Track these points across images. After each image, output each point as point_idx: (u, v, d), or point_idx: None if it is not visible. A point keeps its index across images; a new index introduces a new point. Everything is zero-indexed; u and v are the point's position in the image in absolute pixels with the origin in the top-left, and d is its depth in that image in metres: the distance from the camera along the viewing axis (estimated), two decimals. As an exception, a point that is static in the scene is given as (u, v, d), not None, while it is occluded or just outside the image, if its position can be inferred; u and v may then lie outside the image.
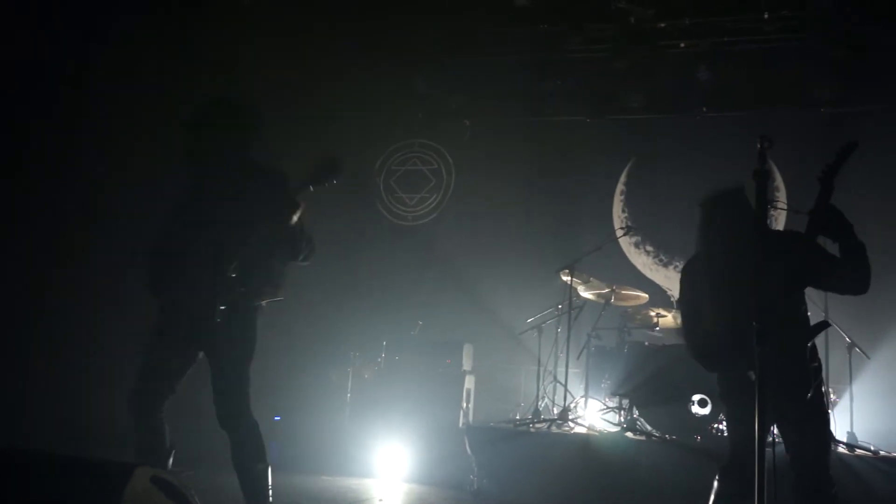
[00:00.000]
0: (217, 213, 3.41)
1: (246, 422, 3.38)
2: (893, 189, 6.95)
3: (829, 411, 4.94)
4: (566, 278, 6.48)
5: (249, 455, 3.38)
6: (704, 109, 7.81)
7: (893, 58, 7.00)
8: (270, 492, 3.41)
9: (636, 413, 5.85)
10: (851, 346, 6.04)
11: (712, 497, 3.35)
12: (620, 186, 8.17)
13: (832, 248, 3.32)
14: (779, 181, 7.54)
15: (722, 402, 3.52)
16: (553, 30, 7.30)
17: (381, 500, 5.32)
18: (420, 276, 8.01)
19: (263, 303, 3.50)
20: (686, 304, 3.71)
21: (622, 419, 5.90)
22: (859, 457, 5.22)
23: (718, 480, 3.35)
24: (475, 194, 8.33)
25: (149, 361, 3.41)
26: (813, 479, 3.25)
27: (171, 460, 3.45)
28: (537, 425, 6.07)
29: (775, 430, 4.21)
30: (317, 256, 6.80)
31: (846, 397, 5.95)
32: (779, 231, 3.58)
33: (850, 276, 3.33)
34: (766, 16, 6.90)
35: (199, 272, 3.37)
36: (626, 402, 5.92)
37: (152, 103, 6.44)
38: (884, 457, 5.25)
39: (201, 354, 3.46)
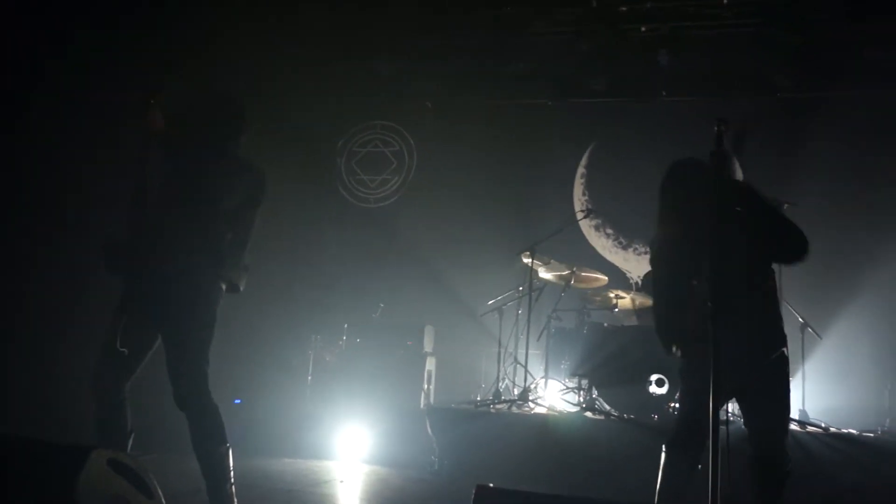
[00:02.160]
0: (187, 198, 3.38)
1: (205, 403, 3.36)
2: (846, 173, 7.10)
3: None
4: (527, 260, 6.52)
5: (209, 436, 3.36)
6: (665, 94, 7.89)
7: (848, 45, 7.12)
8: (232, 473, 3.40)
9: (595, 393, 5.93)
10: (804, 326, 6.19)
11: (660, 472, 3.41)
12: (581, 170, 8.24)
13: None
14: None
15: (679, 376, 3.57)
16: (516, 12, 7.28)
17: (342, 482, 5.33)
18: (381, 258, 8.01)
19: (224, 286, 3.48)
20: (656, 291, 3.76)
21: (581, 399, 5.98)
22: (811, 433, 5.37)
23: (666, 454, 3.40)
24: (437, 176, 8.34)
25: (109, 341, 3.37)
26: (770, 454, 3.32)
27: (130, 443, 3.42)
28: (498, 406, 6.12)
29: (731, 408, 4.30)
30: (278, 239, 6.79)
31: (799, 376, 6.09)
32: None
33: (780, 244, 3.44)
34: (725, 1, 6.97)
35: (163, 253, 3.34)
36: (585, 382, 6.01)
37: (119, 95, 6.34)
38: (834, 433, 5.40)
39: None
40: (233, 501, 3.37)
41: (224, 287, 3.47)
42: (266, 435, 6.16)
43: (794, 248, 3.39)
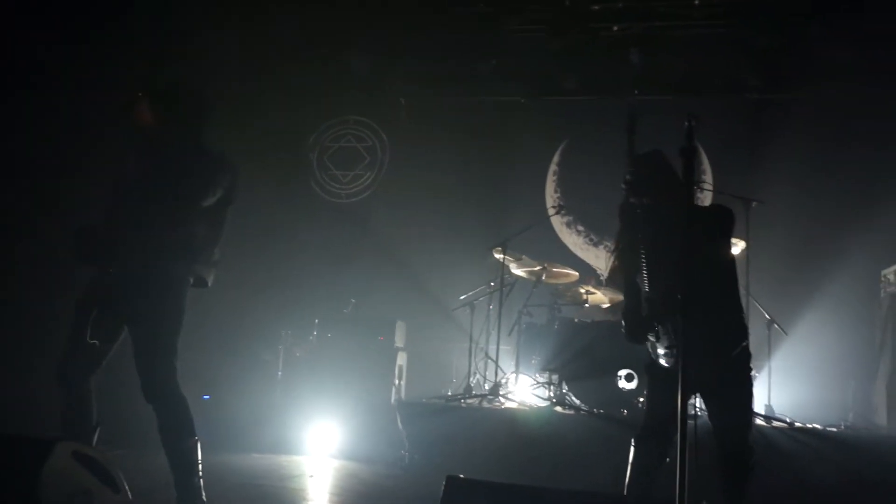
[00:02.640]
0: (152, 190, 3.34)
1: (173, 395, 3.33)
2: (813, 172, 7.19)
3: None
4: (498, 256, 6.53)
5: (177, 429, 3.32)
6: (636, 92, 7.93)
7: (817, 46, 7.22)
8: (200, 467, 3.36)
9: (565, 388, 5.96)
10: (770, 322, 6.25)
11: (629, 465, 3.44)
12: (553, 167, 8.27)
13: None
14: (706, 164, 7.73)
15: (646, 371, 3.60)
16: (489, 9, 7.29)
17: (311, 476, 5.30)
18: (353, 253, 7.98)
19: (191, 279, 3.44)
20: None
21: (552, 394, 6.00)
22: (776, 428, 5.44)
23: (635, 448, 3.44)
24: (410, 172, 8.32)
25: (76, 333, 3.32)
26: (734, 448, 3.36)
27: (96, 437, 3.38)
28: (469, 401, 6.12)
29: (698, 403, 4.34)
30: (248, 233, 6.73)
31: (765, 372, 6.16)
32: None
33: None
34: (696, 2, 7.03)
35: (136, 246, 3.31)
36: (555, 377, 6.02)
37: (97, 91, 6.28)
38: (799, 428, 5.48)
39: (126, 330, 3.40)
40: (200, 495, 3.33)
41: (192, 281, 3.44)
42: (235, 430, 6.11)
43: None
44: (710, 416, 3.46)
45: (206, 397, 6.39)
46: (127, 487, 3.05)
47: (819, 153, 7.20)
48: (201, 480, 3.34)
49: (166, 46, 6.58)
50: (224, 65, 7.18)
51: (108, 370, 3.44)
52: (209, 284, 3.54)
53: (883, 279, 6.54)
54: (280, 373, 6.80)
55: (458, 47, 7.90)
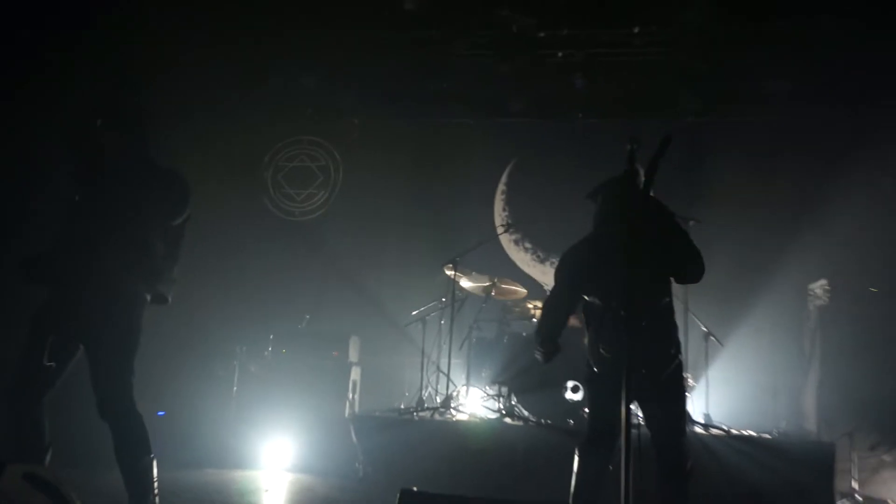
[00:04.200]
0: (107, 209, 3.31)
1: (128, 412, 3.26)
2: (748, 192, 7.33)
3: (688, 394, 5.25)
4: (449, 272, 6.55)
5: (132, 447, 3.26)
6: (580, 115, 8.06)
7: (751, 72, 7.42)
8: (156, 484, 3.30)
9: (514, 400, 5.98)
10: (707, 335, 6.37)
11: (574, 473, 3.47)
12: (501, 186, 8.33)
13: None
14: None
15: (587, 382, 3.69)
16: (438, 34, 7.33)
17: (267, 491, 5.23)
18: (307, 270, 7.92)
19: (148, 297, 3.39)
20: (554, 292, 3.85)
21: (501, 406, 6.02)
22: (714, 435, 5.55)
23: (579, 458, 3.48)
24: (363, 191, 8.30)
25: (30, 355, 3.24)
26: (673, 454, 3.42)
27: (48, 457, 3.29)
28: (421, 413, 6.11)
29: (639, 413, 4.40)
30: (203, 250, 6.63)
31: (703, 382, 6.28)
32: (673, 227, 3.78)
33: (687, 270, 3.56)
34: (636, 30, 7.17)
35: (88, 265, 3.25)
36: (504, 389, 6.05)
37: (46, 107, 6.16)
38: (735, 435, 5.59)
39: (82, 349, 3.32)
40: (156, 512, 3.27)
41: (149, 298, 3.39)
42: (191, 446, 6.01)
43: (695, 273, 3.55)
44: (647, 423, 3.53)
45: (160, 413, 6.26)
46: (82, 507, 2.98)
47: (751, 174, 7.37)
48: (157, 498, 3.28)
49: (123, 71, 6.47)
50: (182, 87, 7.11)
51: (60, 388, 3.36)
52: (169, 301, 3.49)
53: (810, 293, 6.73)
54: (235, 388, 6.70)
55: (410, 71, 7.92)
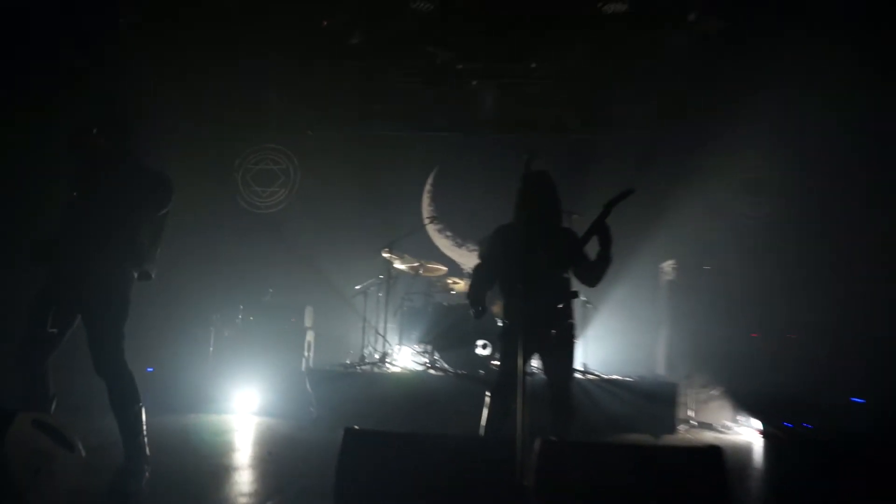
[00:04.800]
0: (102, 204, 3.19)
1: (120, 370, 3.17)
2: (616, 191, 7.50)
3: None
4: (386, 255, 6.55)
5: (124, 398, 3.17)
6: (490, 131, 8.11)
7: (618, 100, 7.61)
8: (145, 427, 3.22)
9: (437, 356, 6.04)
10: (585, 302, 6.53)
11: (485, 414, 3.53)
12: (427, 186, 8.33)
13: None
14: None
15: (500, 339, 3.72)
16: (376, 63, 7.27)
17: (236, 431, 5.14)
18: (271, 253, 7.75)
19: (136, 274, 3.28)
20: (485, 259, 3.85)
21: (427, 360, 6.07)
22: (589, 380, 5.73)
23: (491, 399, 3.53)
24: (317, 188, 8.16)
25: (35, 323, 3.10)
26: (563, 394, 3.50)
27: (53, 406, 3.17)
28: (363, 367, 6.11)
29: (535, 364, 4.49)
30: (187, 238, 6.44)
31: (582, 339, 6.43)
32: (568, 230, 3.89)
33: (593, 274, 3.62)
34: (533, 65, 7.27)
35: (89, 249, 3.14)
36: (429, 347, 6.10)
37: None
38: (605, 379, 5.79)
39: (79, 318, 3.21)
40: (145, 451, 3.19)
41: (136, 276, 3.29)
42: (176, 396, 5.87)
43: (596, 282, 3.65)
44: (545, 371, 3.58)
45: (149, 370, 6.08)
46: (81, 447, 2.88)
47: (619, 178, 7.50)
48: (146, 438, 3.21)
49: (107, 86, 6.18)
50: (165, 100, 6.83)
51: (62, 349, 3.24)
52: (152, 277, 3.39)
53: (661, 271, 6.98)
54: (212, 349, 6.54)
55: (355, 91, 7.84)
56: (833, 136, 6.65)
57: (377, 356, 6.41)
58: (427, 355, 6.09)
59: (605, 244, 3.53)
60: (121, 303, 3.21)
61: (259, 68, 7.26)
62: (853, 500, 3.55)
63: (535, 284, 3.31)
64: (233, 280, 7.38)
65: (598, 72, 7.20)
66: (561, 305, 3.58)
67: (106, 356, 3.14)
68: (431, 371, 5.90)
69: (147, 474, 3.17)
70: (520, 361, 2.90)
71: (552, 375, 3.53)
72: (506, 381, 3.49)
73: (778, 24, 5.84)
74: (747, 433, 5.67)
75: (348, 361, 6.62)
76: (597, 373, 5.99)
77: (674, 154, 7.50)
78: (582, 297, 6.41)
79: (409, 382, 5.67)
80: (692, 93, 7.25)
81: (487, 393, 3.56)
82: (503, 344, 3.70)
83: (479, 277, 3.80)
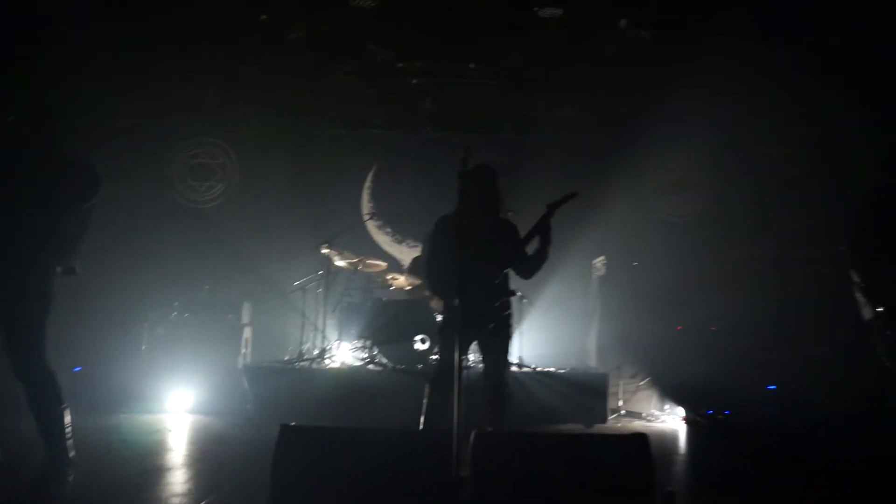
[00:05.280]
0: (20, 194, 2.98)
1: (41, 372, 2.98)
2: (549, 192, 7.56)
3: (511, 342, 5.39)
4: (325, 251, 6.45)
5: (45, 400, 2.98)
6: (429, 129, 8.10)
7: (550, 102, 7.72)
8: (69, 429, 3.04)
9: (376, 351, 5.99)
10: (521, 297, 6.61)
11: (425, 405, 3.52)
12: (367, 183, 8.25)
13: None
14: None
15: (440, 333, 3.71)
16: (315, 59, 7.12)
17: (170, 430, 4.96)
18: (207, 249, 7.48)
19: (59, 269, 3.09)
20: (436, 251, 3.76)
21: (366, 355, 6.02)
22: (524, 372, 5.81)
23: (430, 392, 3.53)
24: (256, 184, 7.92)
25: None
26: (500, 384, 3.54)
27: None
28: (301, 363, 6.00)
29: (471, 357, 4.51)
30: (118, 233, 6.16)
31: (518, 333, 6.50)
32: (508, 221, 3.92)
33: (529, 269, 3.69)
34: (471, 66, 7.29)
35: (6, 241, 2.94)
36: (368, 342, 6.04)
37: None
38: (539, 371, 5.88)
39: None
40: (68, 453, 3.02)
41: (60, 270, 3.09)
42: (106, 395, 5.61)
43: (531, 276, 3.73)
44: (483, 361, 3.63)
45: (77, 369, 5.79)
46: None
47: (550, 176, 7.60)
48: (70, 441, 3.03)
49: (38, 76, 5.82)
50: (96, 90, 6.50)
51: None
52: (77, 272, 3.20)
53: (593, 267, 7.14)
54: (144, 347, 6.28)
55: (293, 87, 7.67)
56: (756, 137, 6.97)
57: (316, 352, 6.30)
58: (366, 350, 6.03)
59: (545, 243, 3.62)
60: (39, 299, 3.01)
61: (195, 61, 6.99)
62: (766, 480, 3.72)
63: (476, 277, 3.32)
64: (167, 276, 7.10)
65: (533, 73, 7.28)
66: (500, 299, 3.62)
67: (24, 357, 2.94)
68: (370, 366, 5.85)
69: (71, 478, 3.00)
70: (456, 355, 2.90)
71: (488, 364, 3.59)
72: (445, 373, 3.49)
73: (703, 30, 6.04)
74: (672, 421, 5.87)
75: (287, 358, 6.49)
76: (531, 365, 6.07)
77: (604, 154, 7.68)
78: (518, 293, 6.56)
79: (348, 378, 5.61)
80: (623, 95, 7.44)
81: (428, 385, 3.54)
82: (442, 337, 3.70)
83: (436, 271, 3.70)
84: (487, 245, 3.55)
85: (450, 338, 3.54)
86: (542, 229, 3.60)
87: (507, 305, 3.68)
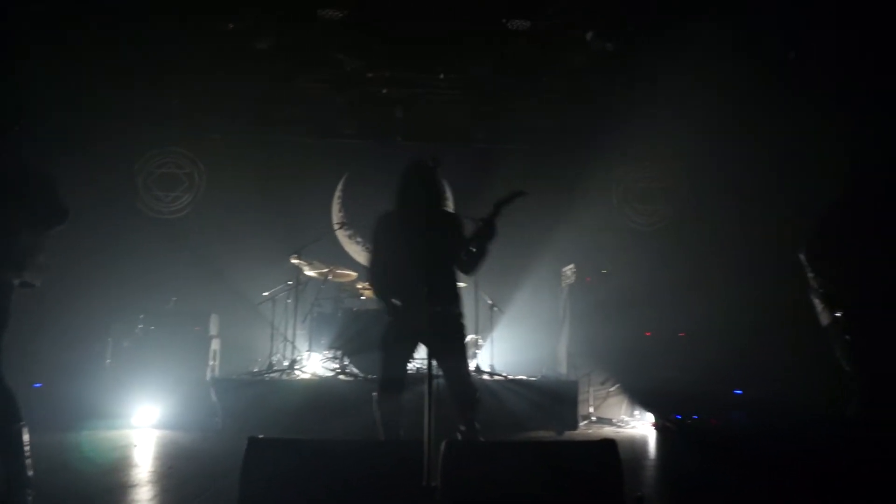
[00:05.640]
0: None
1: (-4, 387, 2.88)
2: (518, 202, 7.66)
3: (477, 351, 5.40)
4: (295, 261, 6.39)
5: (1, 418, 2.87)
6: (399, 139, 8.11)
7: (520, 113, 7.80)
8: (27, 447, 2.94)
9: (347, 361, 5.95)
10: (492, 306, 6.66)
11: (378, 418, 3.44)
12: (338, 193, 8.21)
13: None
14: (448, 192, 8.04)
15: (382, 341, 3.50)
16: (284, 68, 7.09)
17: (135, 446, 4.84)
18: (174, 260, 7.36)
19: (17, 282, 3.00)
20: (378, 250, 3.63)
21: (337, 366, 5.97)
22: (496, 380, 5.82)
23: (380, 399, 3.41)
24: (223, 194, 7.83)
25: None
26: (465, 387, 3.43)
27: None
28: (271, 375, 5.93)
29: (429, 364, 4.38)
30: (81, 244, 6.02)
31: (489, 341, 6.54)
32: (451, 213, 3.85)
33: (471, 264, 3.56)
34: (441, 76, 7.33)
35: None
36: (339, 353, 6.00)
37: None
38: (511, 379, 5.90)
39: None
40: (27, 472, 2.92)
41: (17, 283, 3.00)
42: (68, 412, 5.46)
43: (473, 272, 3.60)
44: (441, 368, 3.40)
45: (37, 385, 5.62)
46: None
47: (523, 186, 7.71)
48: (28, 459, 2.93)
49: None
50: (60, 98, 6.36)
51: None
52: (37, 286, 3.10)
53: (563, 275, 7.20)
54: (108, 360, 6.13)
55: (262, 95, 7.61)
56: (720, 147, 7.13)
57: (286, 363, 6.23)
58: (337, 361, 5.98)
59: (487, 239, 3.46)
60: (-1, 313, 2.92)
61: (162, 69, 6.90)
62: (735, 484, 3.78)
63: (419, 276, 3.25)
64: (132, 288, 6.96)
65: (503, 84, 7.35)
66: (448, 297, 3.46)
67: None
68: (341, 377, 5.80)
69: (30, 498, 2.90)
70: (427, 362, 2.89)
71: (448, 371, 3.40)
72: (392, 377, 3.40)
73: (670, 41, 6.16)
74: (642, 426, 5.93)
75: (256, 369, 6.39)
76: (502, 374, 6.09)
77: (574, 164, 7.79)
78: (488, 301, 6.59)
79: (318, 389, 5.55)
80: (592, 105, 7.55)
81: (374, 394, 3.43)
82: (384, 340, 3.50)
83: (380, 269, 3.57)
84: (430, 239, 3.37)
85: (394, 340, 3.44)
86: (488, 227, 3.43)
87: (457, 301, 3.52)
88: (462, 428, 3.41)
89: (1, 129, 3.07)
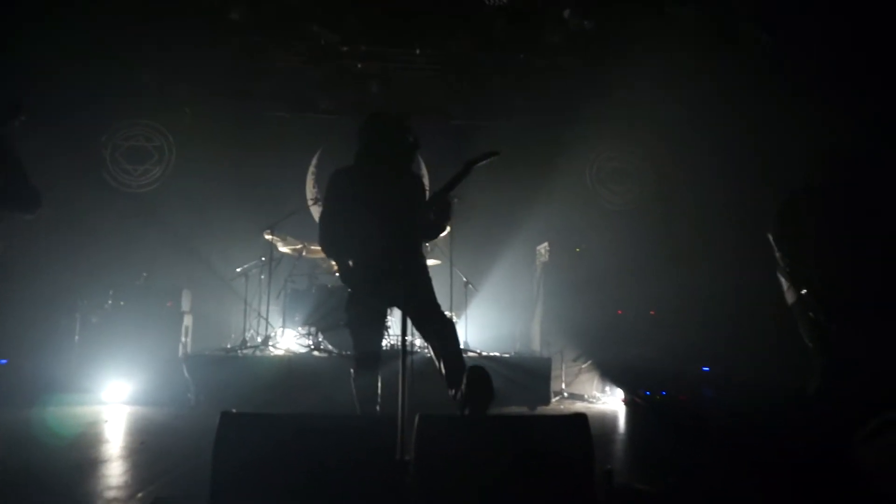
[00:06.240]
0: None
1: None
2: (496, 178, 7.56)
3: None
4: (268, 237, 6.32)
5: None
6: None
7: (504, 83, 7.75)
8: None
9: (321, 337, 5.93)
10: (466, 283, 6.68)
11: (354, 394, 3.44)
12: (311, 168, 8.12)
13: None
14: (424, 169, 8.03)
15: (346, 310, 3.38)
16: (258, 41, 6.94)
17: (106, 422, 4.79)
18: (144, 234, 7.23)
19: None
20: (334, 209, 3.41)
21: (311, 342, 5.95)
22: (470, 357, 5.84)
23: (356, 375, 3.39)
24: (195, 168, 7.68)
25: None
26: (457, 360, 3.36)
27: None
28: (244, 351, 5.89)
29: (418, 343, 4.42)
30: (48, 218, 5.88)
31: (463, 318, 6.58)
32: (417, 178, 3.72)
33: (433, 229, 3.50)
34: (417, 51, 7.25)
35: None
36: (313, 329, 5.98)
37: None
38: (485, 356, 5.93)
39: None
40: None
41: None
42: (35, 389, 5.37)
43: (434, 237, 3.62)
44: (433, 346, 3.33)
45: (2, 362, 5.51)
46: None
47: (497, 165, 7.69)
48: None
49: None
50: (21, 64, 6.15)
51: None
52: None
53: (537, 253, 7.26)
54: (77, 337, 6.02)
55: (236, 69, 7.45)
56: (692, 128, 7.20)
57: (259, 339, 6.19)
58: (311, 337, 5.96)
59: (445, 206, 3.30)
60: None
61: (131, 40, 6.69)
62: (701, 457, 3.89)
63: (379, 239, 3.12)
64: (101, 263, 6.83)
65: (479, 60, 7.29)
66: (412, 262, 3.35)
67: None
68: (315, 353, 5.79)
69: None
70: (402, 336, 2.88)
71: (443, 346, 3.28)
72: (367, 352, 3.34)
73: (644, 24, 6.17)
74: (613, 402, 6.05)
75: (229, 346, 6.35)
76: (476, 350, 6.13)
77: (549, 142, 7.80)
78: (463, 278, 6.62)
79: (292, 365, 5.53)
80: (566, 83, 7.54)
81: (351, 370, 3.40)
82: (350, 314, 3.32)
83: (335, 230, 3.31)
84: (395, 201, 3.18)
85: (362, 311, 3.30)
86: (453, 184, 3.22)
87: (422, 268, 3.41)
88: (457, 396, 3.23)
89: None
